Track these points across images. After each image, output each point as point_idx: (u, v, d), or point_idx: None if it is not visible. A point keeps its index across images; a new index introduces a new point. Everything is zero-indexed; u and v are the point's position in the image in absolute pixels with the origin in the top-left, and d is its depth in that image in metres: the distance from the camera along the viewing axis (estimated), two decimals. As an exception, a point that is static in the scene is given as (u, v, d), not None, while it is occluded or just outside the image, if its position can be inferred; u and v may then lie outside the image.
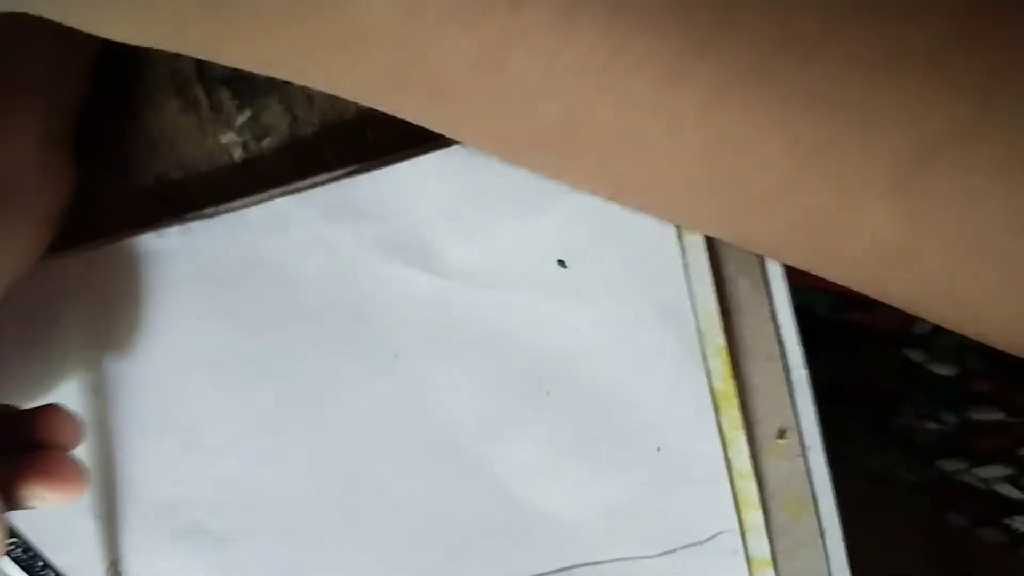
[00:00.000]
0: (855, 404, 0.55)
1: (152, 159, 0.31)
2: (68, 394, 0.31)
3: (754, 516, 0.26)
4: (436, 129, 0.19)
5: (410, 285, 0.29)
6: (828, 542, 0.27)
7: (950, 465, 0.53)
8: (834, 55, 0.16)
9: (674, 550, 0.27)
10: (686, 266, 0.26)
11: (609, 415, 0.27)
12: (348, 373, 0.29)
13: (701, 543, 0.27)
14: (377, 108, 0.18)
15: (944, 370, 0.49)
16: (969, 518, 0.56)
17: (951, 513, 0.56)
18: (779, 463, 0.26)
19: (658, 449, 0.27)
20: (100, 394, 0.31)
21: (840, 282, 0.20)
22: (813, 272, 0.20)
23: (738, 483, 0.26)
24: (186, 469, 0.31)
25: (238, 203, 0.30)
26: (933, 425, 0.52)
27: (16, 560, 0.29)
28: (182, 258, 0.30)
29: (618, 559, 0.27)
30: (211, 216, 0.30)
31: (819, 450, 0.26)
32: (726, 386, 0.26)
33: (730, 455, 0.26)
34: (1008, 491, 0.52)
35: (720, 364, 0.26)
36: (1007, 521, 0.54)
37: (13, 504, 0.27)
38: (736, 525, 0.26)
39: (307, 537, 0.30)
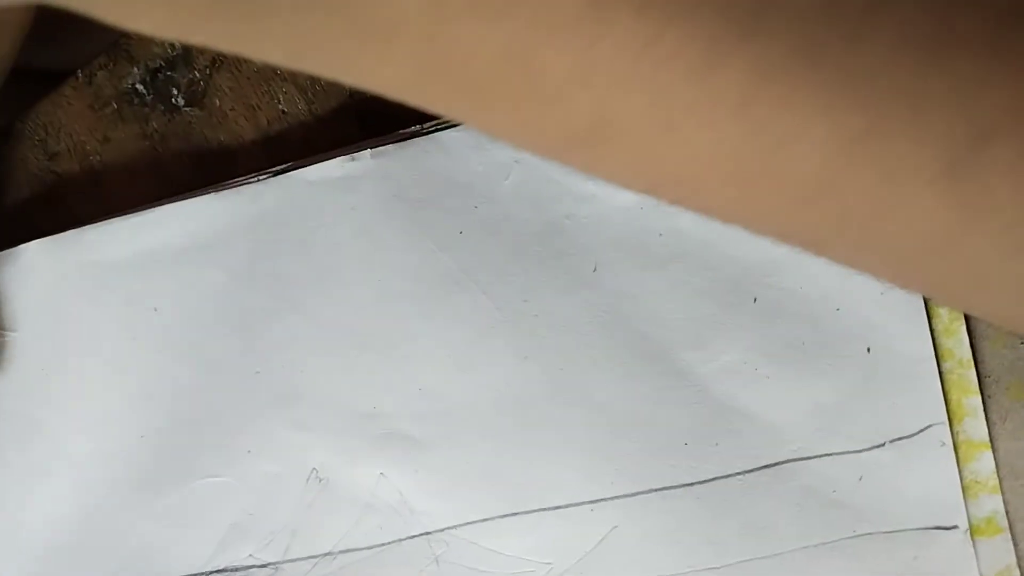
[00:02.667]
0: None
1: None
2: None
3: (972, 400, 0.27)
4: (466, 123, 0.18)
5: (610, 199, 0.29)
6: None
7: None
8: (881, 34, 0.15)
9: (882, 444, 0.28)
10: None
11: (817, 319, 0.28)
12: (547, 285, 0.30)
13: (910, 436, 0.28)
14: (406, 102, 0.18)
15: None
16: None
17: None
18: (1000, 351, 0.27)
19: (868, 350, 0.28)
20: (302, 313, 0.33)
21: (884, 278, 0.19)
22: (855, 268, 0.19)
23: (957, 371, 0.27)
24: (388, 380, 0.32)
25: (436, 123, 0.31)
26: None
27: None
28: (374, 181, 0.31)
29: (825, 455, 0.29)
30: (404, 139, 0.30)
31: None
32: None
33: (950, 345, 0.27)
34: None
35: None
36: None
37: None
38: (945, 418, 0.27)
39: (506, 443, 0.31)
